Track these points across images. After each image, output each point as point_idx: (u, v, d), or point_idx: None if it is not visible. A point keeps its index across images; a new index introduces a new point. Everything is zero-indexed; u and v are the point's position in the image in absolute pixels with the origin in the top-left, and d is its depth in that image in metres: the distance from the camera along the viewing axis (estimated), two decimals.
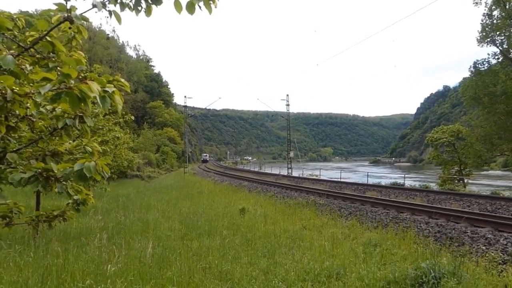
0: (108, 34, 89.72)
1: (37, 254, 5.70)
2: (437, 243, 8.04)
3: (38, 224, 3.52)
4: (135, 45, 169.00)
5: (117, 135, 14.11)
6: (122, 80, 2.26)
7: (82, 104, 1.85)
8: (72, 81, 1.80)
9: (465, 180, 30.16)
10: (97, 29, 72.38)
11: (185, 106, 52.11)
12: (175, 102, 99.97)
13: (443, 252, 6.78)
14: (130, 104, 64.19)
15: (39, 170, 2.56)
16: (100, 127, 11.36)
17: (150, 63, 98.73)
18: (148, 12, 2.25)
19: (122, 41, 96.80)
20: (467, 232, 8.92)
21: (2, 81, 1.89)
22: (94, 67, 13.23)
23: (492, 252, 7.16)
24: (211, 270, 5.29)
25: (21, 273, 4.75)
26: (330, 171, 54.13)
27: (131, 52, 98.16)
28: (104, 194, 14.44)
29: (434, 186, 25.74)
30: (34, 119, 2.59)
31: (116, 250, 5.82)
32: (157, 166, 52.06)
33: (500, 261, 6.73)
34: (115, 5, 2.16)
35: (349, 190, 20.68)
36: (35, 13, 58.81)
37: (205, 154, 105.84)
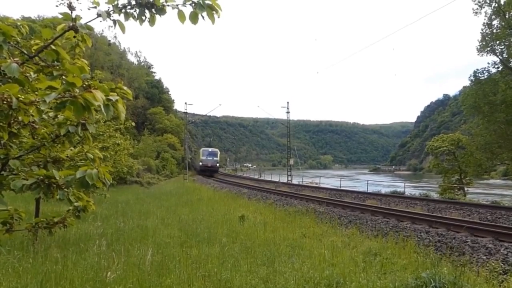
0: (110, 41, 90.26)
1: (36, 260, 5.67)
2: (437, 252, 8.01)
3: (37, 230, 3.51)
4: (136, 52, 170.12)
5: (117, 142, 14.13)
6: (125, 88, 2.28)
7: (86, 112, 1.87)
8: (77, 90, 1.82)
9: (465, 189, 30.11)
10: (99, 36, 72.80)
11: (186, 113, 52.28)
12: (176, 109, 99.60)
13: (444, 261, 6.75)
14: (131, 110, 64.28)
15: (41, 177, 2.56)
16: (101, 133, 11.39)
17: (151, 70, 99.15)
18: (152, 21, 2.28)
19: (124, 48, 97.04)
20: (468, 242, 8.89)
21: (7, 89, 1.91)
22: (96, 73, 13.31)
23: (493, 262, 7.13)
24: (210, 278, 5.26)
25: (20, 280, 4.72)
26: (330, 179, 53.96)
27: (132, 58, 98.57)
28: (104, 200, 14.42)
29: (434, 194, 25.69)
30: (37, 126, 2.60)
31: (115, 257, 5.79)
32: (157, 173, 51.98)
33: (501, 271, 6.70)
34: (119, 15, 2.19)
35: (349, 198, 20.64)
36: (38, 19, 59.34)
37: (210, 150, 56.25)
